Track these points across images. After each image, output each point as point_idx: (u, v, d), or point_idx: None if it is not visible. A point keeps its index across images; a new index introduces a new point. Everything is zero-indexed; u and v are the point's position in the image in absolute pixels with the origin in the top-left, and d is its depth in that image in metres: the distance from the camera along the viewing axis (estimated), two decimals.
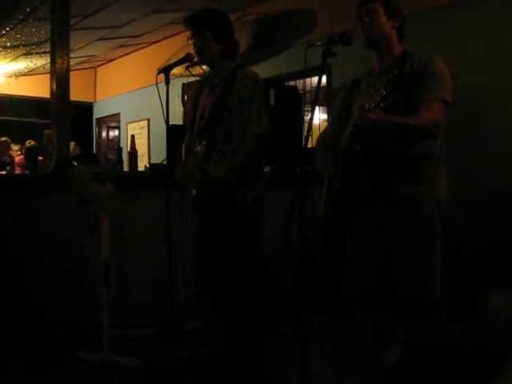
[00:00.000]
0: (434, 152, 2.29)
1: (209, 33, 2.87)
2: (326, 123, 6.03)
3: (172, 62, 2.89)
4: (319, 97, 2.22)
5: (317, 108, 6.02)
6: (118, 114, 9.70)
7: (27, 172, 5.71)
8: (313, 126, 2.13)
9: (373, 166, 2.24)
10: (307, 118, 5.61)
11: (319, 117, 6.06)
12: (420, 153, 2.25)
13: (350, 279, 2.42)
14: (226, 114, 2.86)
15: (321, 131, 2.68)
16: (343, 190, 2.27)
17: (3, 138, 7.09)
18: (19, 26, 6.40)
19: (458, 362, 2.46)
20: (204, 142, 2.91)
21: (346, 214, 2.34)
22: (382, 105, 2.09)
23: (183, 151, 3.10)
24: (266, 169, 3.64)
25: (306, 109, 5.74)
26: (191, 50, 2.95)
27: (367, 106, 2.14)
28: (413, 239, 2.26)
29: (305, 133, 2.03)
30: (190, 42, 2.97)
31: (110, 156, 9.41)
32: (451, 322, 2.33)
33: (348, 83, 2.57)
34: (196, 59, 2.93)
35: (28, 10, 5.83)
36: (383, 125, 2.11)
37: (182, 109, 5.89)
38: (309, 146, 2.31)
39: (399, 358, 2.27)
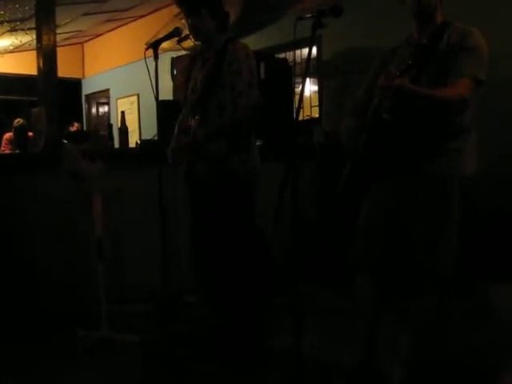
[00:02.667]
0: (461, 127, 2.25)
1: (204, 10, 2.82)
2: (316, 95, 6.01)
3: (160, 36, 2.85)
4: (310, 68, 2.19)
5: (307, 80, 5.99)
6: (107, 90, 9.61)
7: (17, 150, 5.68)
8: (304, 98, 2.11)
9: (398, 137, 2.21)
10: (298, 89, 5.59)
11: (310, 88, 6.03)
12: (446, 127, 2.22)
13: (360, 243, 2.42)
14: (219, 88, 2.84)
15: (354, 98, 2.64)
16: (364, 156, 2.26)
17: None
18: (2, 2, 6.28)
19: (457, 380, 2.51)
20: (197, 117, 2.89)
21: (365, 181, 2.33)
22: (404, 74, 2.06)
23: (176, 129, 3.08)
24: (258, 142, 3.64)
25: (297, 81, 5.70)
26: (179, 23, 2.91)
27: (394, 73, 2.11)
28: (428, 212, 2.25)
29: (296, 105, 2.02)
30: (184, 21, 2.91)
31: (100, 132, 9.35)
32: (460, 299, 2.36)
33: (385, 51, 2.52)
34: (187, 35, 2.88)
35: None
36: (407, 93, 2.08)
37: (171, 83, 5.84)
38: (300, 118, 2.29)
39: (402, 377, 2.32)
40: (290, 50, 5.84)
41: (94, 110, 10.52)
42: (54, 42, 4.46)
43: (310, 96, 6.06)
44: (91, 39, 9.71)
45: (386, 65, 2.41)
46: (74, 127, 8.09)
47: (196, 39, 2.95)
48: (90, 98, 10.38)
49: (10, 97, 9.21)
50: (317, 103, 5.95)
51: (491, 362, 2.72)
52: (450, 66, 2.17)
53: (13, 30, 7.49)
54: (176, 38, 2.90)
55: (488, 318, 3.23)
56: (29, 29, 6.98)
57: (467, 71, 2.16)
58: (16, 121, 6.50)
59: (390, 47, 2.50)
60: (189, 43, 3.12)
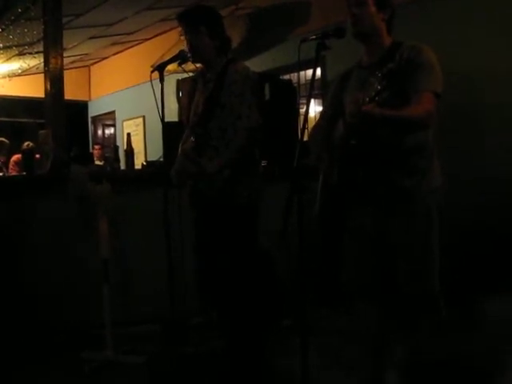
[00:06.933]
0: (427, 142, 2.30)
1: (203, 29, 2.86)
2: None
3: (166, 59, 2.89)
4: (314, 89, 2.21)
5: (312, 100, 6.02)
6: (113, 112, 9.68)
7: (24, 173, 5.71)
8: (308, 119, 2.13)
9: (369, 160, 2.24)
10: (303, 110, 5.62)
11: (315, 109, 6.06)
12: (414, 144, 2.26)
13: (349, 272, 2.43)
14: (219, 110, 2.85)
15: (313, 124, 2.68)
16: (341, 184, 2.27)
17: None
18: (11, 27, 6.37)
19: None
20: (193, 139, 2.91)
21: (343, 207, 2.34)
22: (377, 99, 2.09)
23: (179, 151, 3.10)
24: (263, 163, 3.64)
25: (302, 101, 5.73)
26: (184, 46, 2.94)
27: (361, 100, 2.13)
28: (411, 230, 2.27)
29: (301, 126, 2.03)
30: (183, 38, 2.95)
31: (106, 154, 9.43)
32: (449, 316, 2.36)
33: (338, 76, 2.56)
34: (189, 56, 2.92)
35: (19, 10, 5.81)
36: (377, 119, 2.11)
37: (177, 105, 5.90)
38: (305, 138, 2.31)
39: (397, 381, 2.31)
40: (294, 71, 5.88)
41: (100, 132, 10.60)
42: (61, 65, 4.51)
43: (315, 116, 6.09)
44: (97, 62, 9.81)
45: (342, 90, 2.45)
46: (95, 150, 8.16)
47: (194, 59, 2.98)
48: (96, 120, 10.46)
49: (17, 119, 9.30)
50: None
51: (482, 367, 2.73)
52: (408, 82, 2.19)
53: (21, 54, 7.60)
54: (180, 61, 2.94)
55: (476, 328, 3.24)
56: (36, 52, 7.07)
57: (427, 86, 2.19)
58: (25, 144, 6.54)
59: (343, 71, 2.53)
60: (191, 66, 3.14)
